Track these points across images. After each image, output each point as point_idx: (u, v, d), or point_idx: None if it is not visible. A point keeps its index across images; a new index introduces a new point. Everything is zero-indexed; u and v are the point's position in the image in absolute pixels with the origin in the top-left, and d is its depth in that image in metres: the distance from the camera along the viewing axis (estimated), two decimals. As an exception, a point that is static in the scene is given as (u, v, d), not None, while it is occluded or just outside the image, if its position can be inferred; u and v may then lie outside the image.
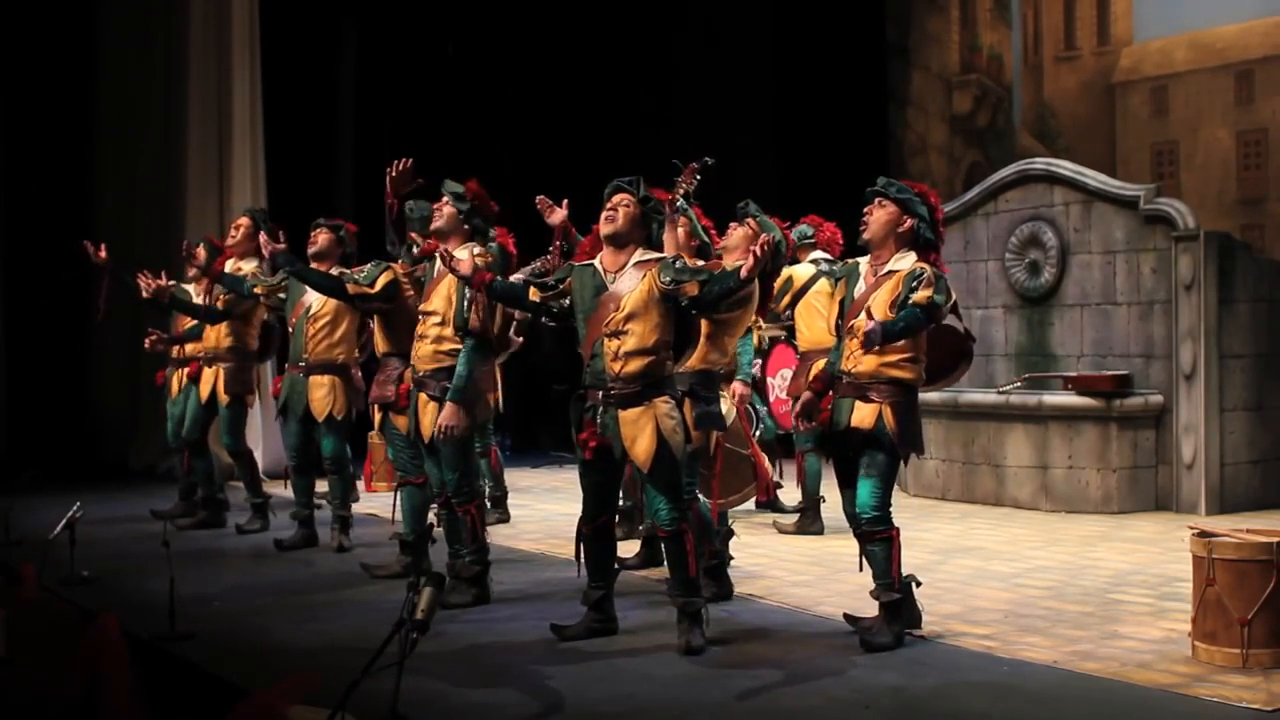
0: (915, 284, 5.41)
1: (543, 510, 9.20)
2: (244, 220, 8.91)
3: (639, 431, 5.41)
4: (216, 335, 8.75)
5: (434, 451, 6.33)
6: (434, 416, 6.22)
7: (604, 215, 5.56)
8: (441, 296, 6.27)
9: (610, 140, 13.54)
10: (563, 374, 7.77)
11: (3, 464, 11.88)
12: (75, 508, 6.81)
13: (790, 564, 7.45)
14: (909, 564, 5.74)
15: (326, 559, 7.78)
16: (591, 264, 5.63)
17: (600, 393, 5.49)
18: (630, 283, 5.46)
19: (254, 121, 11.99)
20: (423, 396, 6.30)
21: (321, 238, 7.84)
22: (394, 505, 7.28)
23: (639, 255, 5.52)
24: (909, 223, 5.54)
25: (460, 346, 6.19)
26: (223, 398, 8.71)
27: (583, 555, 5.72)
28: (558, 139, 13.98)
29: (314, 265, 7.74)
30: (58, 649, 4.78)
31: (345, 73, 13.80)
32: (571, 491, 9.44)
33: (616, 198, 5.56)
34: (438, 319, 6.27)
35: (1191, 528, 5.49)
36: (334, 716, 3.79)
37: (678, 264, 5.47)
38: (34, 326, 12.85)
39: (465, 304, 6.14)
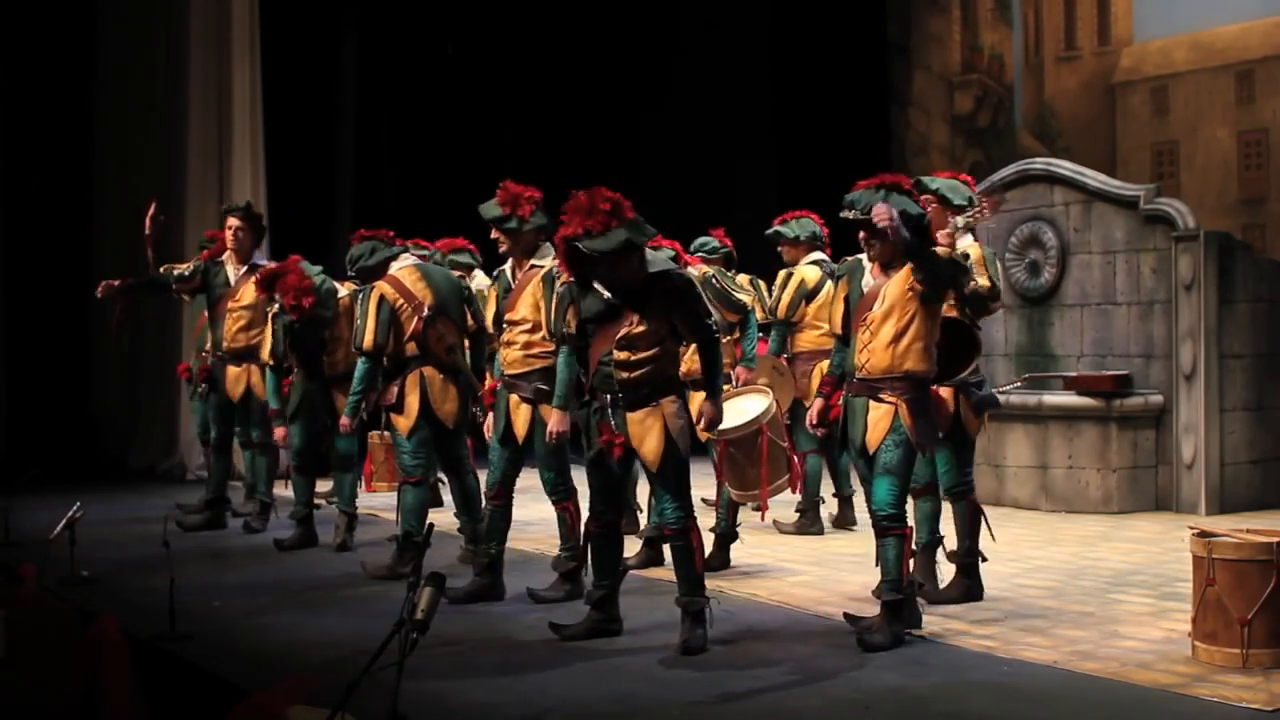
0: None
1: (543, 510, 9.17)
2: (235, 220, 8.89)
3: (647, 431, 5.46)
4: (246, 335, 8.74)
5: (515, 449, 6.48)
6: (527, 418, 6.42)
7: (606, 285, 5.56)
8: (528, 304, 6.45)
9: (609, 142, 13.54)
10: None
11: (3, 464, 11.88)
12: (75, 508, 6.82)
13: (790, 564, 7.45)
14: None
15: (326, 559, 7.79)
16: (594, 286, 5.62)
17: (608, 395, 5.52)
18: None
19: (254, 121, 11.98)
20: (514, 398, 6.47)
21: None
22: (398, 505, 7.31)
23: (650, 268, 5.54)
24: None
25: (549, 348, 6.32)
26: (261, 394, 8.69)
27: (590, 554, 5.74)
28: (557, 139, 13.97)
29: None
30: (58, 649, 4.77)
31: (345, 73, 13.79)
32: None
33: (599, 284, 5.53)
34: (526, 325, 6.46)
35: (1191, 528, 5.49)
36: (334, 716, 3.79)
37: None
38: (34, 327, 12.85)
39: (560, 311, 6.22)
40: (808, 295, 8.23)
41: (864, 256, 5.75)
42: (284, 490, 8.87)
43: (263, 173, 11.99)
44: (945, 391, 6.20)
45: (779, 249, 8.51)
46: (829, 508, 8.68)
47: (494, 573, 6.57)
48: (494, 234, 6.59)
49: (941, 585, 6.32)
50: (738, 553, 7.42)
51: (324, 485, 8.92)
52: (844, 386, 5.74)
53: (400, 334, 7.07)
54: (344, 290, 8.16)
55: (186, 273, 8.97)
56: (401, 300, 7.08)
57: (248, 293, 8.67)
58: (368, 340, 7.05)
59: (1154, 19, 12.13)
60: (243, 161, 11.89)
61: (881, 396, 5.51)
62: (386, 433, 9.21)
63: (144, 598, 6.44)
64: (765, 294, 8.63)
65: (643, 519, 7.83)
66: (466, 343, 7.34)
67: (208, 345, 9.25)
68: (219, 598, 6.62)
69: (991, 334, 10.28)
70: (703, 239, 8.44)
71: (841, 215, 5.64)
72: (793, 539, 8.27)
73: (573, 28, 14.43)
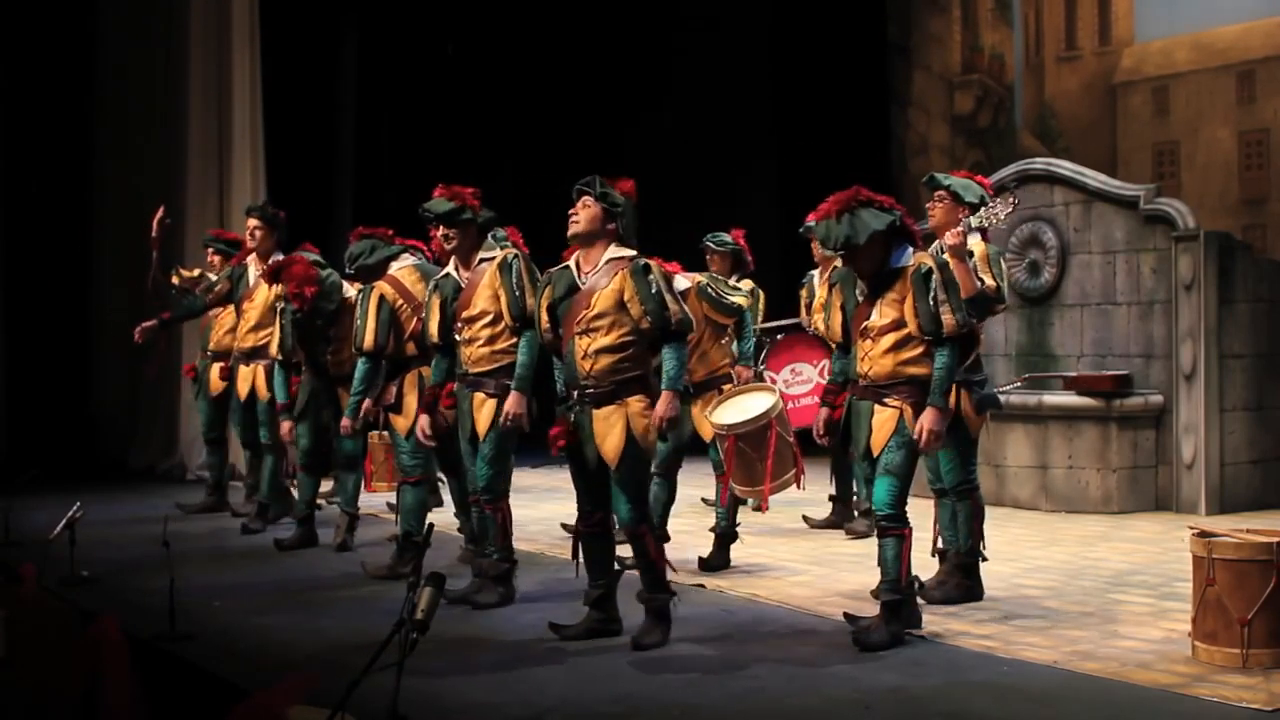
0: (931, 298, 5.40)
1: (543, 510, 9.19)
2: (253, 221, 8.92)
3: (609, 429, 5.47)
4: (255, 336, 8.75)
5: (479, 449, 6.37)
6: (490, 413, 6.28)
7: (569, 219, 5.61)
8: (485, 296, 6.30)
9: (609, 140, 13.53)
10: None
11: (3, 464, 11.88)
12: (75, 508, 6.82)
13: (790, 564, 7.45)
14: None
15: (326, 559, 7.79)
16: (567, 265, 5.68)
17: (575, 391, 5.53)
18: (602, 281, 5.51)
19: (254, 121, 11.98)
20: (479, 395, 6.33)
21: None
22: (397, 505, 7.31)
23: (611, 252, 5.56)
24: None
25: (514, 341, 6.25)
26: (263, 394, 8.71)
27: (581, 555, 5.73)
28: (556, 139, 13.97)
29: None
30: (58, 649, 4.78)
31: (345, 73, 13.80)
32: (570, 491, 9.44)
33: (578, 201, 5.60)
34: (486, 318, 6.30)
35: (1191, 528, 5.48)
36: (334, 716, 3.79)
37: (653, 287, 5.45)
38: (34, 327, 12.84)
39: (519, 293, 6.18)
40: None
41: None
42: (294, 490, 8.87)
43: (263, 172, 11.99)
44: None
45: (811, 243, 8.51)
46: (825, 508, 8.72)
47: None
48: (441, 232, 6.47)
49: (927, 583, 6.28)
50: (738, 553, 7.42)
51: (325, 485, 8.93)
52: (846, 392, 5.74)
53: (400, 334, 7.07)
54: (351, 290, 8.18)
55: (216, 287, 9.03)
56: (401, 300, 7.08)
57: (260, 293, 8.70)
58: (368, 341, 7.05)
59: (1155, 19, 12.12)
60: (243, 161, 11.89)
61: (886, 401, 5.51)
62: (385, 433, 9.23)
63: (144, 598, 6.44)
64: (760, 304, 8.67)
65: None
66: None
67: (212, 344, 9.34)
68: (219, 598, 6.62)
69: (991, 334, 10.27)
70: (717, 233, 8.43)
71: (823, 252, 5.63)
72: (792, 539, 8.27)
73: (572, 28, 14.43)
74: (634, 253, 5.58)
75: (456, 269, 6.49)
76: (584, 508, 5.70)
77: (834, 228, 5.48)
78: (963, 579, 6.35)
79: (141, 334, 9.10)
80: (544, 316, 5.69)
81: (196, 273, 9.71)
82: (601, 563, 5.74)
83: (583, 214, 5.56)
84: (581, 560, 5.75)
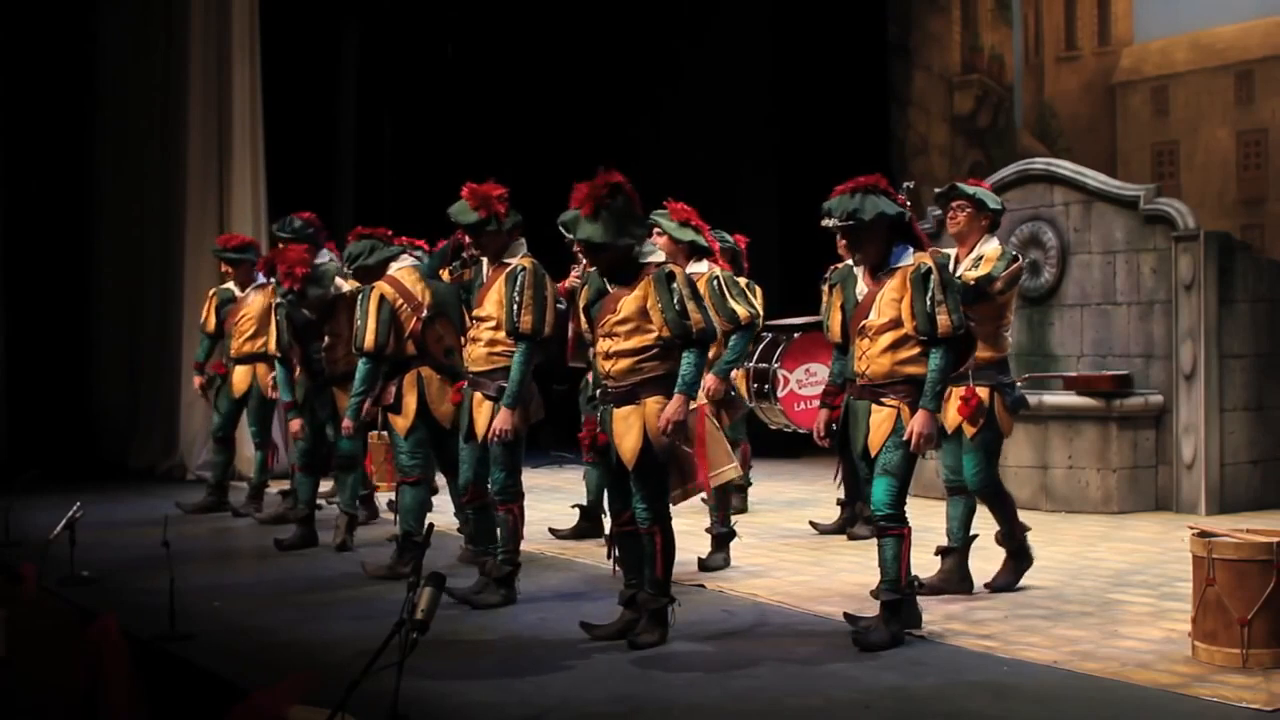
0: (929, 298, 5.39)
1: (543, 510, 9.19)
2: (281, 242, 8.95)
3: (628, 429, 5.48)
4: None
5: (481, 448, 6.39)
6: (489, 415, 6.31)
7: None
8: (493, 301, 6.36)
9: (609, 141, 13.53)
10: (563, 374, 7.76)
11: (3, 464, 11.88)
12: (75, 508, 6.82)
13: (790, 564, 7.46)
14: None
15: (326, 559, 7.79)
16: (594, 270, 5.73)
17: (599, 390, 5.58)
18: (628, 287, 5.52)
19: (254, 121, 11.98)
20: (478, 395, 6.39)
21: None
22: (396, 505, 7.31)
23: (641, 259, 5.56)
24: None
25: (513, 348, 6.26)
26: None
27: (616, 554, 5.74)
28: (557, 140, 13.98)
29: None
30: (58, 649, 4.78)
31: (345, 73, 13.80)
32: (571, 491, 9.45)
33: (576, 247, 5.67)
34: (491, 322, 6.37)
35: (1191, 528, 5.49)
36: (334, 716, 3.79)
37: (674, 296, 5.42)
38: (34, 327, 12.85)
39: (516, 307, 6.18)
40: None
41: (852, 262, 5.78)
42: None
43: (263, 172, 12.00)
44: (982, 391, 6.25)
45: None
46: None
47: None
48: (469, 239, 6.48)
49: (927, 581, 6.29)
50: (737, 553, 7.42)
51: (325, 485, 8.93)
52: (845, 392, 5.75)
53: (400, 334, 7.08)
54: (348, 287, 8.18)
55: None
56: (401, 300, 7.09)
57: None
58: (369, 341, 7.06)
59: (1154, 19, 12.13)
60: (243, 161, 11.89)
61: (884, 400, 5.51)
62: (384, 433, 9.23)
63: (144, 598, 6.44)
64: (756, 302, 8.61)
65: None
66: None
67: (233, 350, 9.43)
68: (219, 598, 6.63)
69: (991, 334, 10.26)
70: (717, 230, 8.37)
71: (822, 224, 5.62)
72: (792, 540, 8.27)
73: (573, 29, 14.43)
74: (663, 258, 5.58)
75: (486, 269, 6.56)
76: (614, 506, 5.71)
77: (845, 200, 5.51)
78: (1014, 563, 6.54)
79: (300, 429, 8.97)
80: (582, 318, 5.76)
81: (213, 293, 9.82)
82: (637, 561, 5.69)
83: (583, 255, 5.63)
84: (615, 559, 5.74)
